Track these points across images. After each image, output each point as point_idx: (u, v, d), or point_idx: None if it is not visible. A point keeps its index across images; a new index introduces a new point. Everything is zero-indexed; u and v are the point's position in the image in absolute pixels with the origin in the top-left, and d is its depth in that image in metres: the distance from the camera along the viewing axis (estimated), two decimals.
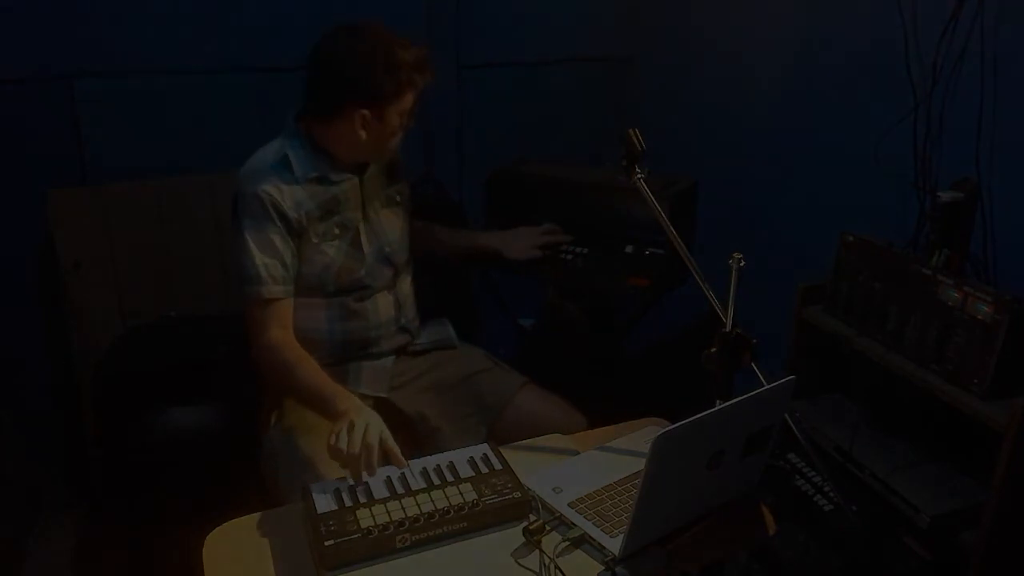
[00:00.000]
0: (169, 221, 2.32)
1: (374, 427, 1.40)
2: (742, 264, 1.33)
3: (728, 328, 1.38)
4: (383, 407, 1.73)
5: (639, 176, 1.52)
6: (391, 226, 1.79)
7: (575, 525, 1.32)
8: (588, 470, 1.46)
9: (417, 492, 1.35)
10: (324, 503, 1.32)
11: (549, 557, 1.26)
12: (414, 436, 1.75)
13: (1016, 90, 1.69)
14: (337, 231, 1.69)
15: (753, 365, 1.38)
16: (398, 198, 1.83)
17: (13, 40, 2.16)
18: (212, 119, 2.38)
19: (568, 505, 1.36)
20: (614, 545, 1.26)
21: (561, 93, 2.83)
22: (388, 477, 1.39)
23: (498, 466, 1.43)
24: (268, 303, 1.62)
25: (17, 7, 2.14)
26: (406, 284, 1.85)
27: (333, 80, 1.60)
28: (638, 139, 1.51)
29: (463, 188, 2.71)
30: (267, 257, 1.61)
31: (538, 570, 1.25)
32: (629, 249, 2.06)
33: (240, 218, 1.62)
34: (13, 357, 2.31)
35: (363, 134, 1.62)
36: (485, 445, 1.49)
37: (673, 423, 1.17)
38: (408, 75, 1.60)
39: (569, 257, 2.05)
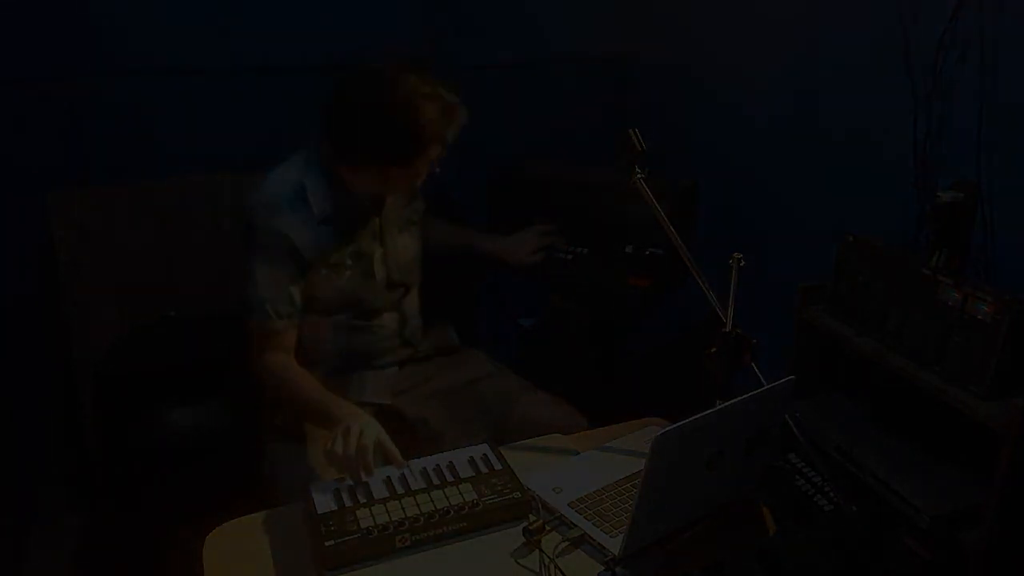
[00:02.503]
0: (169, 222, 2.32)
1: (370, 430, 1.41)
2: (742, 264, 1.33)
3: (728, 328, 1.38)
4: (386, 413, 1.73)
5: (639, 176, 1.52)
6: (405, 249, 1.78)
7: (575, 525, 1.32)
8: (588, 470, 1.46)
9: (417, 492, 1.35)
10: (324, 503, 1.32)
11: (549, 557, 1.26)
12: (416, 441, 1.74)
13: (1016, 90, 1.69)
14: (350, 261, 1.67)
15: (753, 365, 1.38)
16: (415, 217, 1.81)
17: (13, 40, 2.16)
18: (213, 120, 2.38)
19: (568, 505, 1.36)
20: (614, 545, 1.27)
21: (561, 93, 2.83)
22: (388, 477, 1.39)
23: (498, 466, 1.43)
24: (269, 332, 1.61)
25: (17, 7, 2.14)
26: (413, 300, 1.85)
27: (356, 137, 1.55)
28: (638, 139, 1.51)
29: (463, 188, 2.71)
30: (274, 293, 1.59)
31: (538, 570, 1.25)
32: (629, 249, 2.06)
33: (252, 249, 1.58)
34: (13, 357, 2.31)
35: (388, 186, 1.61)
36: (485, 445, 1.49)
37: (673, 423, 1.17)
38: (434, 131, 1.54)
39: (569, 257, 2.05)
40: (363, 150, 1.56)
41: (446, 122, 1.56)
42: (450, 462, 1.44)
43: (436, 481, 1.39)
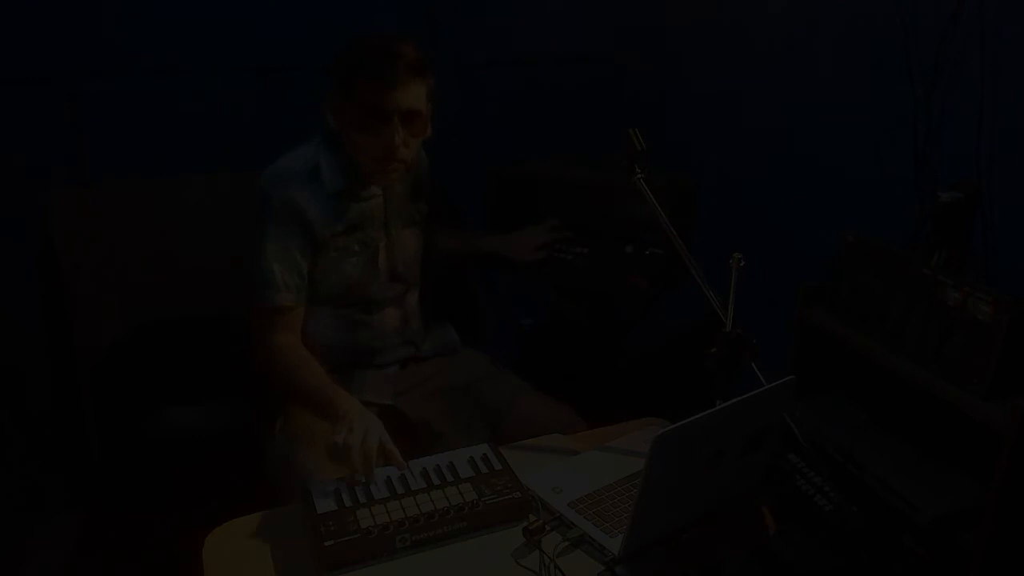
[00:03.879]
0: (170, 221, 2.31)
1: (374, 431, 1.41)
2: (742, 264, 1.33)
3: (728, 328, 1.38)
4: (387, 413, 1.73)
5: (639, 176, 1.52)
6: (408, 245, 1.80)
7: (575, 525, 1.32)
8: (588, 470, 1.46)
9: (417, 492, 1.35)
10: (324, 503, 1.32)
11: (549, 557, 1.26)
12: (417, 442, 1.75)
13: (1016, 90, 1.69)
14: (357, 248, 1.69)
15: (753, 365, 1.38)
16: (418, 216, 1.83)
17: (13, 40, 2.16)
18: (213, 119, 2.38)
19: (568, 505, 1.36)
20: (614, 545, 1.27)
21: (561, 93, 2.83)
22: (388, 477, 1.39)
23: (498, 466, 1.43)
24: (279, 309, 1.62)
25: (18, 7, 2.14)
26: (414, 298, 1.86)
27: (340, 58, 1.60)
28: (638, 139, 1.51)
29: (462, 188, 2.71)
30: (284, 266, 1.61)
31: (538, 570, 1.25)
32: (629, 249, 2.06)
33: (264, 221, 1.61)
34: (13, 357, 2.31)
35: (368, 123, 1.57)
36: (485, 445, 1.49)
37: (673, 423, 1.17)
38: (408, 56, 1.55)
39: (569, 257, 2.05)
40: (341, 65, 1.58)
41: (418, 66, 1.57)
42: (450, 462, 1.44)
43: (436, 481, 1.39)
